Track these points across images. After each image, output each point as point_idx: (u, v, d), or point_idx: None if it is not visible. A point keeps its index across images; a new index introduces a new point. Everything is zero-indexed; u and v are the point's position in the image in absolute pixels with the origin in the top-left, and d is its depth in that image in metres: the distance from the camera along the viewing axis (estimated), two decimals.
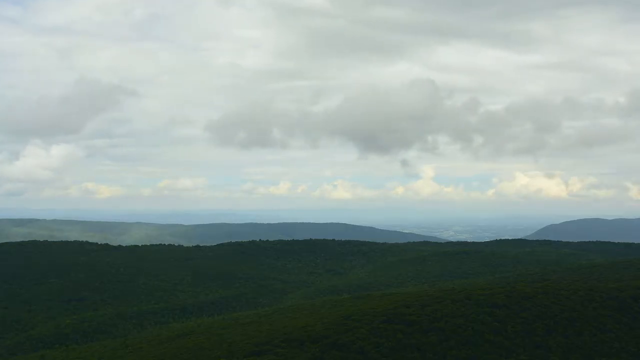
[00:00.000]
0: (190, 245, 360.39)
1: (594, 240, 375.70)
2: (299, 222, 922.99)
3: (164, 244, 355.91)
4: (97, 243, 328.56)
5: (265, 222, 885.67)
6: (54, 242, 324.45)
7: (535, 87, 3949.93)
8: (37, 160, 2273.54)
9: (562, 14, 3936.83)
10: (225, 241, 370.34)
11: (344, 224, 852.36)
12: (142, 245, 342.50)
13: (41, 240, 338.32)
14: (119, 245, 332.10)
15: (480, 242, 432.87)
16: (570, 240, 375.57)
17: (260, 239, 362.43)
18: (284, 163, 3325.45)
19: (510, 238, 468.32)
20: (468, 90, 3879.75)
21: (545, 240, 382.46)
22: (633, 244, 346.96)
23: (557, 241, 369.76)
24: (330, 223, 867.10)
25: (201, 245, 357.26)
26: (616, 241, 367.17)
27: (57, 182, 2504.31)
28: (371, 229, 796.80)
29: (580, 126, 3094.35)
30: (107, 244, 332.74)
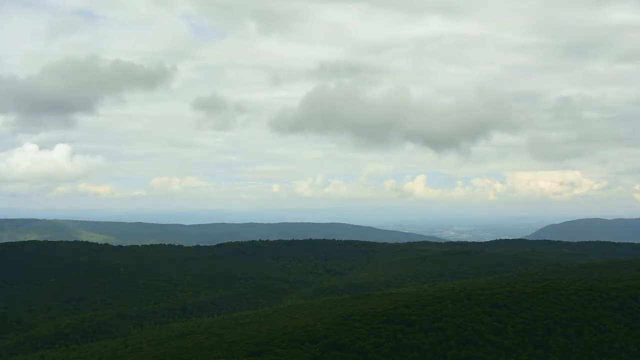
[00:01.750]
0: (190, 245, 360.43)
1: (594, 240, 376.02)
2: (299, 222, 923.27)
3: (164, 244, 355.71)
4: (97, 243, 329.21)
5: (265, 222, 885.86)
6: (54, 242, 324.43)
7: (497, 69, 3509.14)
8: (37, 160, 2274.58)
9: None
10: (225, 241, 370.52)
11: (344, 224, 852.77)
12: (142, 245, 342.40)
13: (41, 240, 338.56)
14: (119, 245, 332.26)
15: (480, 242, 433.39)
16: (570, 240, 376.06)
17: (260, 239, 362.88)
18: (283, 162, 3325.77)
19: (510, 238, 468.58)
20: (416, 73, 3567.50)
21: (545, 240, 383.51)
22: (633, 244, 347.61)
23: (557, 241, 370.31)
24: (330, 223, 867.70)
25: (201, 245, 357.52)
26: (616, 241, 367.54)
27: (57, 182, 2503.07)
28: (371, 229, 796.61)
29: (576, 123, 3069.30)
30: (107, 244, 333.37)
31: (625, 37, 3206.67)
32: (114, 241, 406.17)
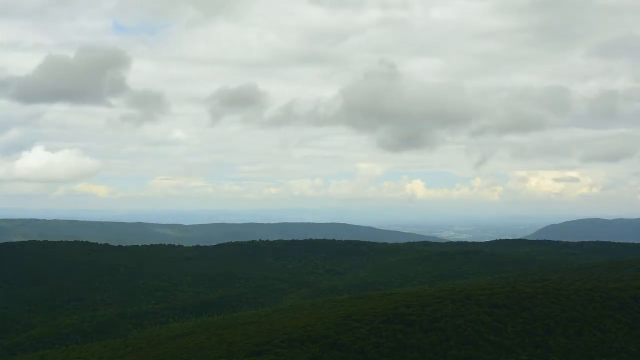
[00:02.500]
0: (190, 245, 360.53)
1: (594, 240, 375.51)
2: (299, 222, 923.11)
3: (164, 244, 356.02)
4: (97, 243, 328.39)
5: (265, 222, 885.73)
6: (54, 242, 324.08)
7: (467, 59, 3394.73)
8: (36, 161, 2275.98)
9: None
10: (225, 241, 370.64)
11: (344, 224, 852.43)
12: (142, 245, 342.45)
13: (41, 240, 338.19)
14: (119, 245, 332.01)
15: (480, 242, 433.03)
16: (570, 240, 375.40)
17: (260, 239, 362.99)
18: (283, 162, 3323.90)
19: (510, 238, 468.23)
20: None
21: (545, 240, 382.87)
22: (633, 244, 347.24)
23: (557, 241, 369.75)
24: (330, 223, 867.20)
25: (201, 245, 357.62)
26: (616, 241, 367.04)
27: (57, 182, 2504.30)
28: (371, 229, 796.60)
29: (575, 120, 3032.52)
30: (107, 244, 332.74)
31: (611, 21, 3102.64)
32: (114, 241, 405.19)
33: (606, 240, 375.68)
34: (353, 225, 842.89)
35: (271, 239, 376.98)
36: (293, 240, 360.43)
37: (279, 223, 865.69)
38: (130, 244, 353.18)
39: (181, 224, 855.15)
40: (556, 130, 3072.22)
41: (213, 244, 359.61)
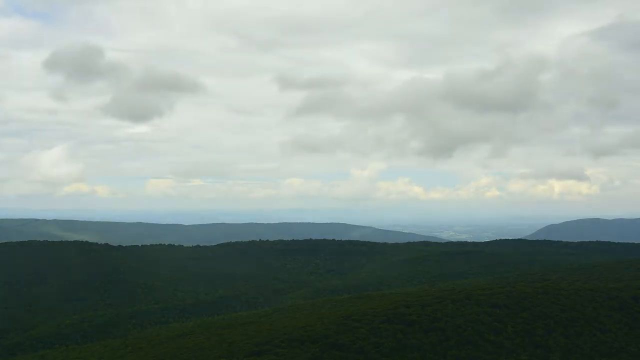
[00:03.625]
0: (190, 245, 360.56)
1: (594, 240, 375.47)
2: (299, 222, 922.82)
3: (164, 244, 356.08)
4: (97, 243, 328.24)
5: (265, 222, 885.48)
6: (54, 242, 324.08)
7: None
8: (37, 161, 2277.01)
9: None
10: (225, 241, 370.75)
11: (344, 224, 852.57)
12: (142, 245, 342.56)
13: (41, 240, 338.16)
14: (119, 245, 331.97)
15: (480, 242, 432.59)
16: (570, 240, 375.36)
17: (260, 239, 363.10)
18: (283, 162, 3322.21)
19: (510, 238, 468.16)
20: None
21: (545, 240, 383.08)
22: (633, 244, 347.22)
23: (557, 241, 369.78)
24: (330, 223, 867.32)
25: (201, 245, 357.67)
26: (616, 241, 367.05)
27: (57, 182, 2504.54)
28: (371, 229, 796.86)
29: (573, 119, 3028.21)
30: (107, 244, 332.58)
31: None
32: (114, 241, 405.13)
33: (606, 240, 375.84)
34: (353, 225, 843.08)
35: (271, 239, 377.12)
36: (293, 240, 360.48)
37: (279, 223, 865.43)
38: (130, 244, 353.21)
39: (181, 224, 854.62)
40: (556, 128, 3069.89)
41: (213, 244, 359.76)
